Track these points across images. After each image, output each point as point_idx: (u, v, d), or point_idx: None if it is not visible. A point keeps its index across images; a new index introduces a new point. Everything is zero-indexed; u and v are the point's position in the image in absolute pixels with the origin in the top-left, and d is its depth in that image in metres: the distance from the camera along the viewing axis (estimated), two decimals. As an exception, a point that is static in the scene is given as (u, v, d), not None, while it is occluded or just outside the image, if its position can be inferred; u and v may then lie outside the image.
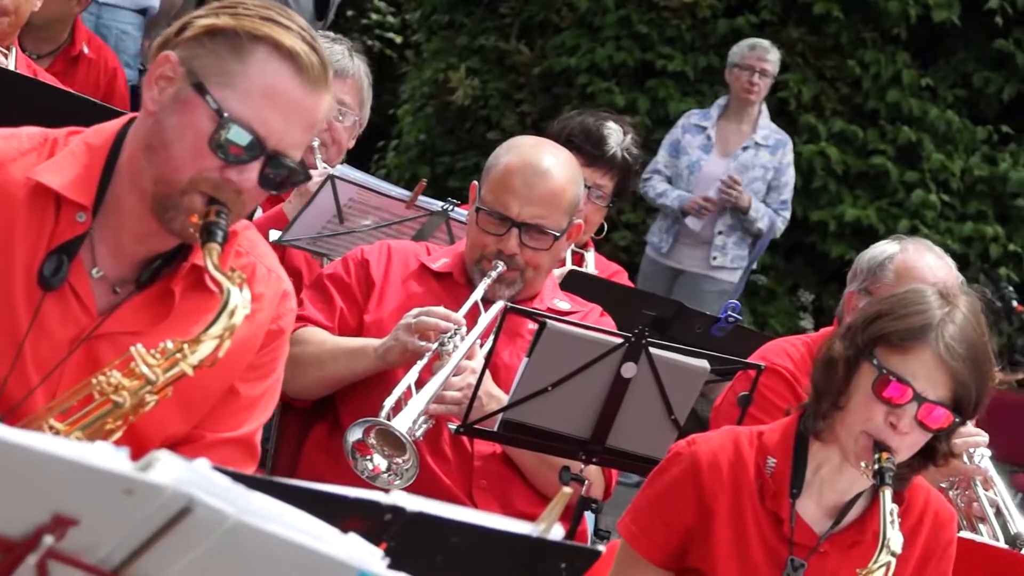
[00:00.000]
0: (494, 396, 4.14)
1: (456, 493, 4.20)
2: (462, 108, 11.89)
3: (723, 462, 3.47)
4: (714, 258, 9.44)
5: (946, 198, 10.99)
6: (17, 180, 2.82)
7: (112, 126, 2.91)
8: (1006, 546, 4.47)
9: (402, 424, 3.97)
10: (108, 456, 1.75)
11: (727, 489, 3.46)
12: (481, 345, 4.22)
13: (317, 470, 4.26)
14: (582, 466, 4.07)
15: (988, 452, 4.56)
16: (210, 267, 2.73)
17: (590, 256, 5.62)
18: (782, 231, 9.68)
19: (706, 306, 6.18)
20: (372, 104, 5.46)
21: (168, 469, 1.76)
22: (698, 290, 9.30)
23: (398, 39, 15.03)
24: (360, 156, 10.99)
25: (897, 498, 3.39)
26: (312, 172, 4.97)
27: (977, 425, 4.36)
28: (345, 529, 1.85)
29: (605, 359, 3.96)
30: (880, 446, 3.34)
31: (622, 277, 5.68)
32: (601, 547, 3.72)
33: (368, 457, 3.99)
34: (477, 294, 4.31)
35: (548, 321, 3.96)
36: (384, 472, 3.99)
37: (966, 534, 4.34)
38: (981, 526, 4.56)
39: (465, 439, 4.21)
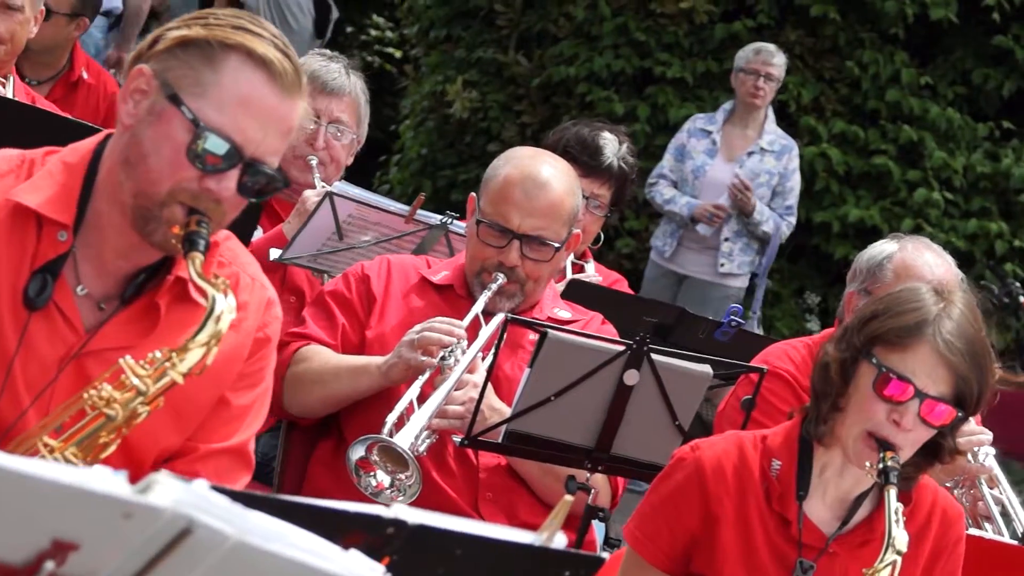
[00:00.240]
0: (496, 409, 4.14)
1: (462, 506, 4.19)
2: (462, 121, 11.88)
3: (727, 467, 3.47)
4: (721, 265, 9.42)
5: (949, 196, 10.97)
6: None
7: (88, 143, 2.92)
8: (1014, 542, 4.47)
9: (404, 440, 3.97)
10: (106, 480, 1.76)
11: (732, 493, 3.46)
12: (483, 358, 4.21)
13: (322, 487, 4.27)
14: (588, 475, 4.06)
15: (992, 451, 4.56)
16: (194, 275, 2.74)
17: (590, 267, 5.61)
18: (787, 236, 9.67)
19: (716, 313, 6.17)
20: (373, 120, 5.46)
21: (167, 491, 1.76)
22: (707, 297, 9.29)
23: (397, 54, 15.03)
24: (363, 172, 10.99)
25: (905, 497, 3.38)
26: (310, 191, 5.01)
27: (986, 420, 4.36)
28: (347, 544, 1.86)
29: (607, 367, 3.95)
30: (884, 445, 3.34)
31: (623, 286, 5.67)
32: (605, 555, 3.71)
33: (371, 474, 3.99)
34: (478, 307, 4.30)
35: (549, 331, 3.94)
36: (387, 488, 3.99)
37: (973, 532, 4.34)
38: (987, 524, 4.56)
39: (470, 452, 4.21)
